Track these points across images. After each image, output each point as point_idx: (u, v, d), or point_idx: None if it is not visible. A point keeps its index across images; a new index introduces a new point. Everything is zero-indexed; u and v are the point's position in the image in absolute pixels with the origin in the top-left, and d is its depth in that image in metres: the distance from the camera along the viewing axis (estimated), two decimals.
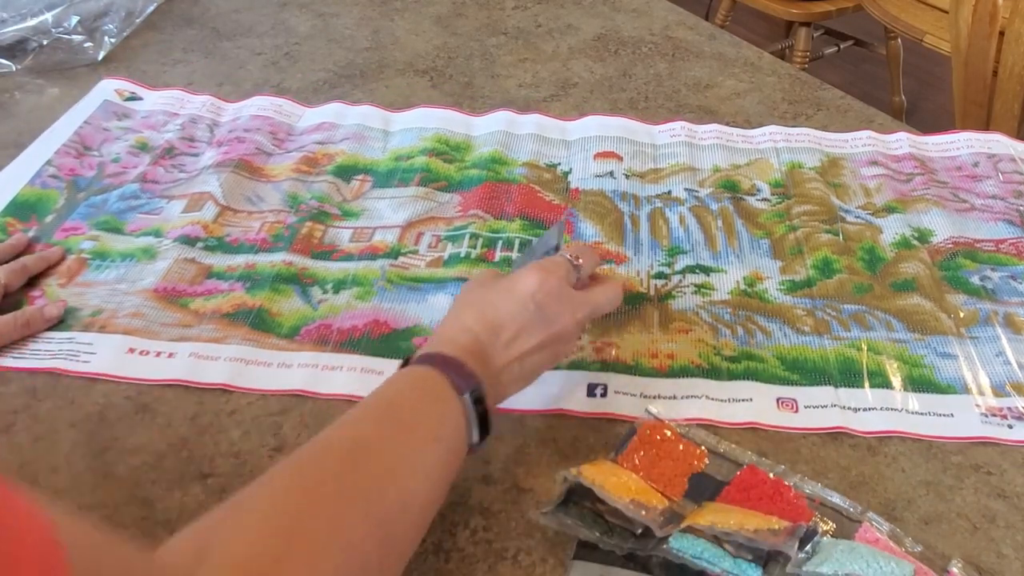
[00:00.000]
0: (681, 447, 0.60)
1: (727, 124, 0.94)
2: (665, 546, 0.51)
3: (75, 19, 1.03)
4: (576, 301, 0.59)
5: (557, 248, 0.63)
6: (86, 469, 0.59)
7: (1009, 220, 0.81)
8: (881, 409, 0.63)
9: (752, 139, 0.92)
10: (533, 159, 0.89)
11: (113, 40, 1.05)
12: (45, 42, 1.02)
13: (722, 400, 0.64)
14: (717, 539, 0.51)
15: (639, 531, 0.53)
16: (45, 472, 0.59)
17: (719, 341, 0.69)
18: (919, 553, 0.53)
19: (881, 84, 2.32)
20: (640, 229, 0.80)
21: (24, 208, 0.81)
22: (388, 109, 0.96)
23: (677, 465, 0.59)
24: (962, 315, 0.71)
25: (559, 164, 0.88)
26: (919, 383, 0.65)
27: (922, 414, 0.63)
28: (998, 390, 0.65)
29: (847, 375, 0.66)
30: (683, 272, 0.75)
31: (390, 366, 0.66)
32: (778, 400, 0.64)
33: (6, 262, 0.73)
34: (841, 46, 2.31)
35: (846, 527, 0.55)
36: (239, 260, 0.76)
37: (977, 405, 0.64)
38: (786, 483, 0.57)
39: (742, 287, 0.74)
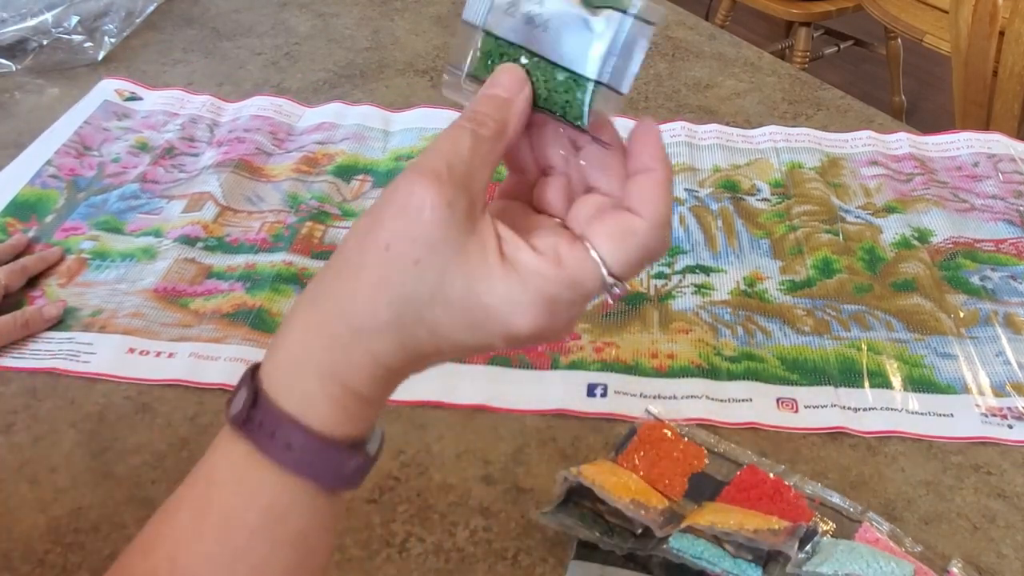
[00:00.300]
0: (681, 447, 0.60)
1: (727, 124, 0.94)
2: (665, 546, 0.51)
3: (75, 19, 1.03)
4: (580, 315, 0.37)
5: (595, 85, 0.34)
6: (86, 469, 0.59)
7: (1009, 220, 0.81)
8: (881, 409, 0.63)
9: (752, 139, 0.92)
10: None
11: (113, 40, 1.05)
12: (45, 42, 1.02)
13: (722, 400, 0.64)
14: (717, 539, 0.51)
15: (639, 531, 0.53)
16: (45, 472, 0.59)
17: (719, 341, 0.69)
18: (919, 553, 0.53)
19: (881, 84, 2.32)
20: None
21: (24, 208, 0.81)
22: (388, 109, 0.96)
23: (677, 465, 0.59)
24: (962, 315, 0.71)
25: None
26: (919, 383, 0.65)
27: (922, 414, 0.63)
28: (998, 390, 0.65)
29: (847, 375, 0.66)
30: (683, 272, 0.75)
31: None
32: (778, 400, 0.64)
33: (6, 263, 0.73)
34: (841, 46, 2.31)
35: (846, 527, 0.55)
36: (239, 260, 0.76)
37: (977, 405, 0.64)
38: (786, 483, 0.57)
39: (742, 287, 0.74)
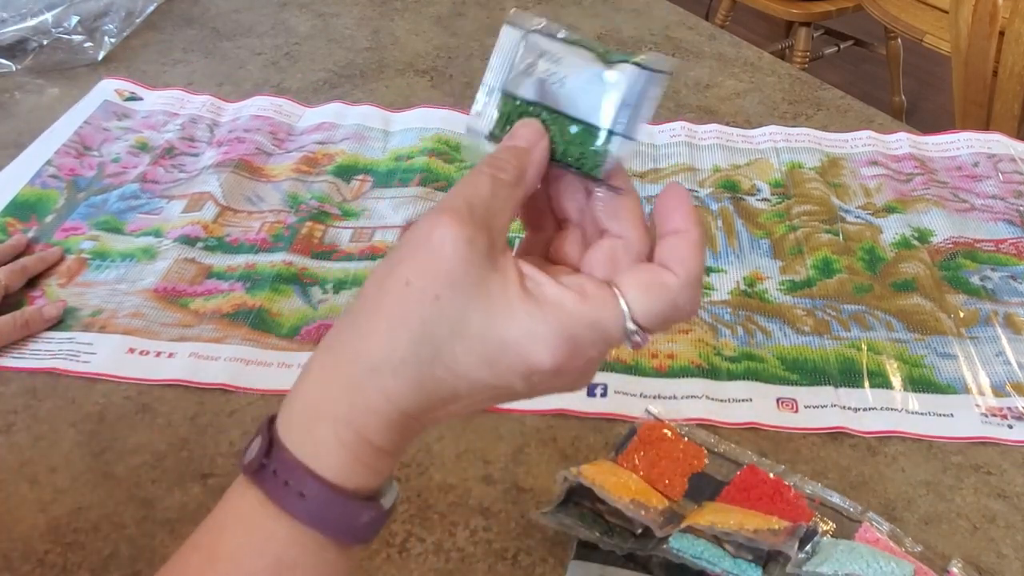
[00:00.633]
0: (681, 447, 0.60)
1: (727, 124, 0.94)
2: (665, 546, 0.51)
3: (75, 19, 1.03)
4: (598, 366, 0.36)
5: (608, 135, 0.35)
6: (86, 469, 0.59)
7: (1009, 220, 0.81)
8: (881, 409, 0.63)
9: (752, 139, 0.92)
10: None
11: (113, 40, 1.05)
12: (45, 42, 1.02)
13: (722, 400, 0.64)
14: (717, 539, 0.51)
15: (639, 531, 0.53)
16: (45, 472, 0.59)
17: (719, 341, 0.69)
18: (919, 553, 0.53)
19: (881, 84, 2.32)
20: None
21: (24, 208, 0.81)
22: (388, 109, 0.96)
23: (677, 465, 0.59)
24: (962, 315, 0.71)
25: None
26: (919, 383, 0.65)
27: (922, 414, 0.63)
28: (998, 390, 0.65)
29: (847, 375, 0.66)
30: None
31: None
32: (778, 400, 0.64)
33: (6, 263, 0.73)
34: (841, 46, 2.31)
35: (846, 527, 0.55)
36: (239, 260, 0.76)
37: (977, 405, 0.64)
38: (786, 483, 0.57)
39: (742, 287, 0.74)
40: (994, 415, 0.63)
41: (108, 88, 0.98)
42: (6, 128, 0.92)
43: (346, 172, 0.87)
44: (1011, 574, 0.54)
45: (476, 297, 0.32)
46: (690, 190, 0.84)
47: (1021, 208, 0.82)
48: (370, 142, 0.91)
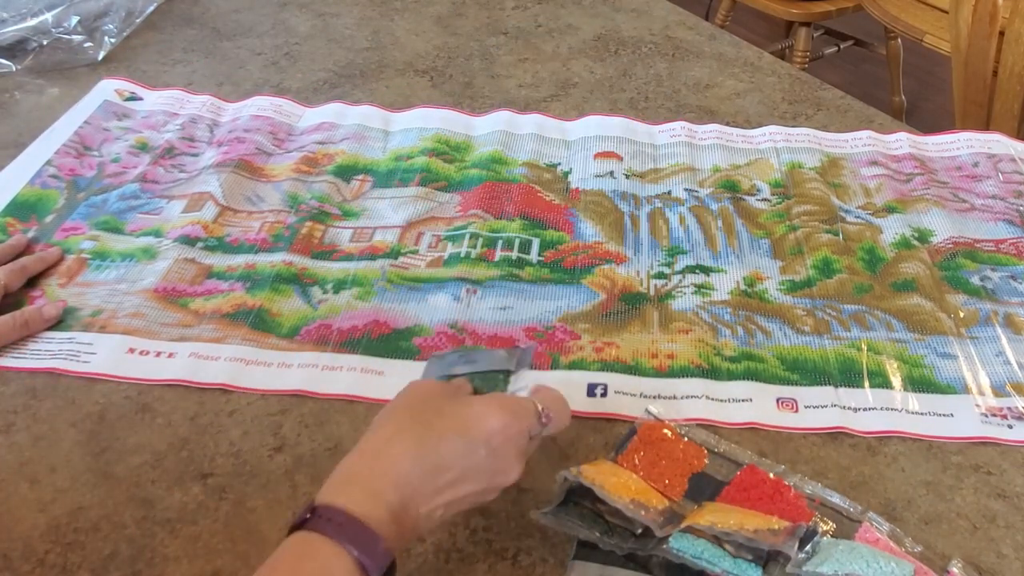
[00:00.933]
0: (681, 447, 0.60)
1: (727, 124, 0.94)
2: (665, 546, 0.51)
3: (75, 19, 1.03)
4: (529, 448, 0.52)
5: (508, 372, 0.56)
6: (86, 469, 0.59)
7: (1009, 220, 0.81)
8: (881, 409, 0.63)
9: (752, 139, 0.92)
10: (533, 159, 0.89)
11: (113, 40, 1.05)
12: (45, 42, 1.02)
13: (722, 400, 0.64)
14: (717, 539, 0.51)
15: (639, 531, 0.53)
16: (45, 472, 0.59)
17: (719, 341, 0.69)
18: (919, 553, 0.53)
19: (881, 84, 2.32)
20: (640, 229, 0.80)
21: (24, 208, 0.81)
22: (388, 109, 0.96)
23: (677, 465, 0.59)
24: (962, 315, 0.71)
25: (559, 164, 0.88)
26: (919, 383, 0.65)
27: (922, 414, 0.63)
28: (998, 390, 0.65)
29: (847, 375, 0.66)
30: (683, 272, 0.75)
31: (390, 366, 0.66)
32: (778, 400, 0.64)
33: (6, 263, 0.73)
34: (841, 46, 2.31)
35: (846, 527, 0.55)
36: (239, 260, 0.76)
37: (977, 405, 0.64)
38: (786, 483, 0.57)
39: (742, 287, 0.74)
40: (994, 415, 0.63)
41: (108, 88, 0.98)
42: (6, 128, 0.92)
43: (346, 172, 0.87)
44: (1011, 574, 0.54)
45: (447, 403, 0.51)
46: (690, 190, 0.85)
47: (1021, 208, 0.82)
48: (370, 142, 0.91)
